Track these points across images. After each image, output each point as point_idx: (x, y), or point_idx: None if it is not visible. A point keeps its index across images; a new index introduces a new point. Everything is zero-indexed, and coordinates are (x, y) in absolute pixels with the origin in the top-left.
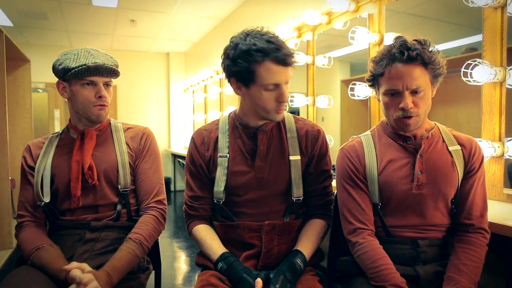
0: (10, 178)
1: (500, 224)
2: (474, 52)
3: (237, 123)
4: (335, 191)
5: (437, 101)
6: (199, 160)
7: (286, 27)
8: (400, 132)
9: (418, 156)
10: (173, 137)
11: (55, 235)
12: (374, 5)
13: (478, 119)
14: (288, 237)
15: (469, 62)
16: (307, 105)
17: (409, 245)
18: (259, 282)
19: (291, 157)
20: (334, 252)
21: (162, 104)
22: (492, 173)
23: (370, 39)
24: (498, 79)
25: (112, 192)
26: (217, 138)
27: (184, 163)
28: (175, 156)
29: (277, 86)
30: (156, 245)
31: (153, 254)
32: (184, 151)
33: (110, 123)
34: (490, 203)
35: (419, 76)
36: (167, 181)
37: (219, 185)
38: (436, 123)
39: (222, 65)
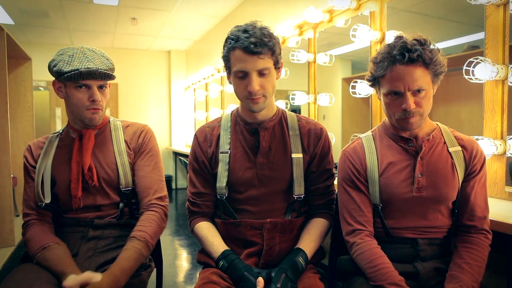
0: (11, 176)
1: (501, 222)
2: (476, 50)
3: (238, 120)
4: (337, 190)
5: (439, 100)
6: (201, 157)
7: (287, 25)
8: (402, 134)
9: (419, 159)
10: (174, 135)
11: (58, 232)
12: (376, 3)
13: (479, 117)
14: (290, 235)
15: (471, 60)
16: (308, 103)
17: (408, 244)
18: (260, 281)
19: (293, 155)
20: (335, 250)
21: (163, 102)
22: (494, 171)
23: (371, 37)
24: (500, 77)
25: (113, 192)
26: (219, 135)
27: (186, 161)
28: (176, 154)
29: (246, 74)
30: (157, 243)
31: (154, 251)
32: (185, 149)
33: (109, 121)
34: (492, 201)
35: (420, 77)
36: (168, 179)
37: (221, 181)
38: (438, 123)
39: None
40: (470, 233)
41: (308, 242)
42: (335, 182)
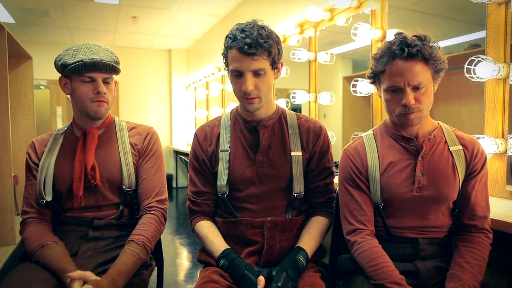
0: (12, 174)
1: (502, 221)
2: (477, 48)
3: (238, 118)
4: (337, 188)
5: (440, 98)
6: (202, 156)
7: (288, 23)
8: (402, 133)
9: (420, 158)
10: (175, 134)
11: (57, 230)
12: (377, 2)
13: (480, 116)
14: (290, 234)
15: (473, 58)
16: (309, 102)
17: (409, 243)
18: (261, 280)
19: (293, 153)
20: (336, 249)
21: (164, 101)
22: (495, 170)
23: (372, 35)
24: (501, 75)
25: (114, 193)
26: (219, 133)
27: (186, 160)
28: (176, 153)
29: (241, 74)
30: (158, 242)
31: (155, 251)
32: (185, 148)
33: (114, 121)
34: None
35: (420, 72)
36: (169, 178)
37: (222, 179)
38: (439, 122)
39: None
40: (471, 232)
41: (309, 241)
42: (335, 180)
